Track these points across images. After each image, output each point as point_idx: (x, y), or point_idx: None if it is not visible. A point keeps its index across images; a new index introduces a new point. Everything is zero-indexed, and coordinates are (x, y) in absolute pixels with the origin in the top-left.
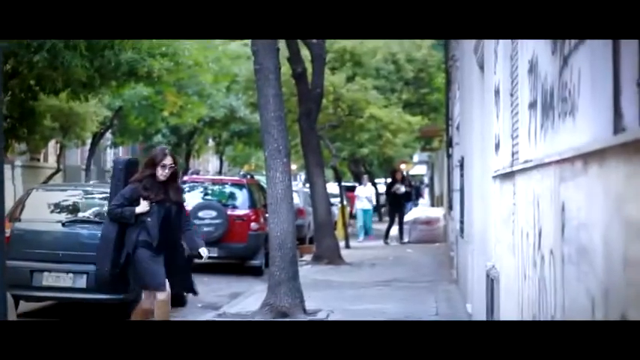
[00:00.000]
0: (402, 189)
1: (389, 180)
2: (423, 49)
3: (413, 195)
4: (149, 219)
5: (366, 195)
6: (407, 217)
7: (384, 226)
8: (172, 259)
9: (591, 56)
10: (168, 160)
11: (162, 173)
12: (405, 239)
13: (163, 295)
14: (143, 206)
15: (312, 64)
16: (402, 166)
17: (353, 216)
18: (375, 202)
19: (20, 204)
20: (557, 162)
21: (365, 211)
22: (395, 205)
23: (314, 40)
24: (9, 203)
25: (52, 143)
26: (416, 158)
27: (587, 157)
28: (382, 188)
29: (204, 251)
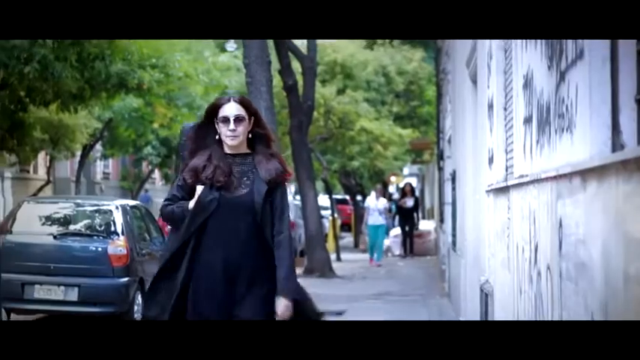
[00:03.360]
0: (409, 202)
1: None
2: (414, 61)
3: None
4: (210, 218)
5: (378, 208)
6: (396, 231)
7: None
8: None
9: (589, 72)
10: (231, 109)
11: (227, 134)
12: (397, 252)
13: None
14: (196, 196)
15: (303, 77)
16: (392, 179)
17: (362, 232)
18: (388, 217)
19: (11, 216)
20: (554, 178)
21: (376, 228)
22: (403, 218)
23: (305, 53)
24: None
25: (41, 155)
26: (406, 171)
27: (586, 173)
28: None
29: (280, 307)
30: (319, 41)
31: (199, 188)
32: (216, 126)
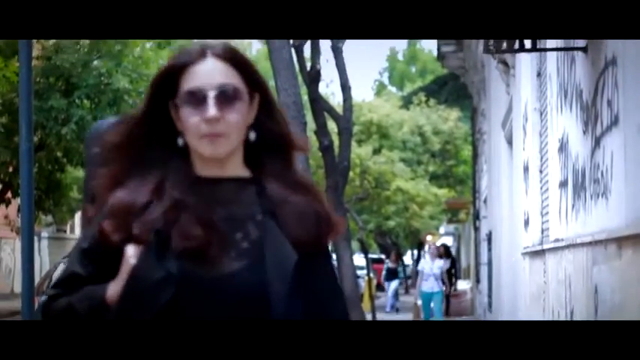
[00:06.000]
0: (446, 264)
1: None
2: (450, 121)
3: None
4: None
5: (434, 272)
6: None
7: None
8: None
9: (624, 138)
10: (209, 72)
11: (203, 130)
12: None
13: None
14: (126, 271)
15: (339, 137)
16: (429, 238)
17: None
18: (446, 281)
19: (47, 277)
20: (590, 244)
21: (430, 295)
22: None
23: (341, 113)
24: (35, 276)
25: (78, 215)
26: (442, 230)
27: (621, 241)
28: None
29: None
30: (355, 101)
31: (131, 253)
32: (174, 115)
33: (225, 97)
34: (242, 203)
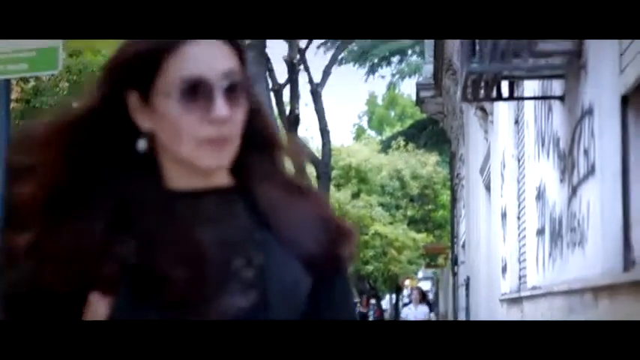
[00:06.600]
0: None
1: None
2: (428, 165)
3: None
4: None
5: (417, 319)
6: None
7: None
8: None
9: (601, 188)
10: (211, 58)
11: (208, 133)
12: None
13: None
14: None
15: (318, 181)
16: (407, 282)
17: None
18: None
19: None
20: (566, 292)
21: None
22: None
23: (319, 157)
24: None
25: None
26: (420, 274)
27: (598, 291)
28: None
29: None
30: (334, 145)
31: (95, 304)
32: (137, 109)
33: (234, 90)
34: (234, 219)
